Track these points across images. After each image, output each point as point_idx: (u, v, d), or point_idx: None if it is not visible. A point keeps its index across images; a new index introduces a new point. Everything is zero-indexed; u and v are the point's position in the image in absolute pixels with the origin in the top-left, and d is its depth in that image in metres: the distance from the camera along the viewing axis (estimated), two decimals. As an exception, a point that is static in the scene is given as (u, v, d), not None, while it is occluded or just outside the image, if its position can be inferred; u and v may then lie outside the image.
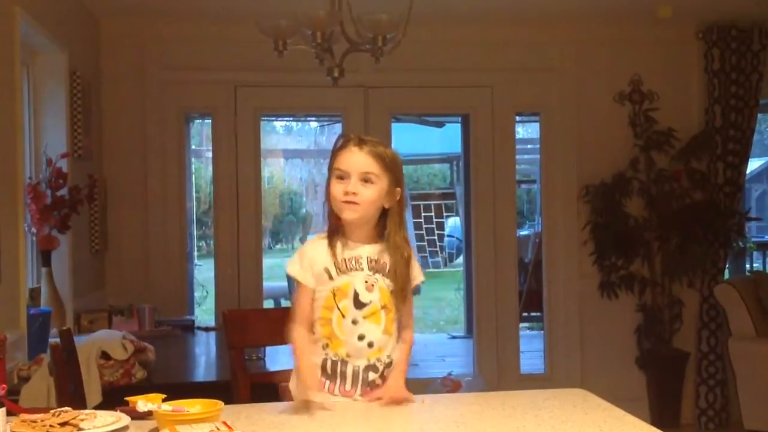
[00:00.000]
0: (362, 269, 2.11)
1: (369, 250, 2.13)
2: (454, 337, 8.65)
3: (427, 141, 10.93)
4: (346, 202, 2.09)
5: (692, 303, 5.39)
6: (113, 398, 2.59)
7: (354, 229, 2.13)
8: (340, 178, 2.10)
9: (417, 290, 8.48)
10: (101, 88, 5.01)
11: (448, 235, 13.58)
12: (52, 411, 1.79)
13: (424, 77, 5.28)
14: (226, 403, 1.86)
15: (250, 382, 2.32)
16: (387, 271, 2.12)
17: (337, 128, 5.46)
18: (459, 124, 6.71)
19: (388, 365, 2.13)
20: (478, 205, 5.47)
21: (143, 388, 3.26)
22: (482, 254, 5.46)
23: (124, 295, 4.81)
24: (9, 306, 3.23)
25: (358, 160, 2.10)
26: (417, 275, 2.18)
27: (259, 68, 4.94)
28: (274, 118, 6.94)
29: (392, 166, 2.13)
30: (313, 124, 9.00)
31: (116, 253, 5.06)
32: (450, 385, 5.19)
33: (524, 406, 2.02)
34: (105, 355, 3.08)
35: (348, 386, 2.10)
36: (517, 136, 5.86)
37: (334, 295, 2.09)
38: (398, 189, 2.14)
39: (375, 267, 2.12)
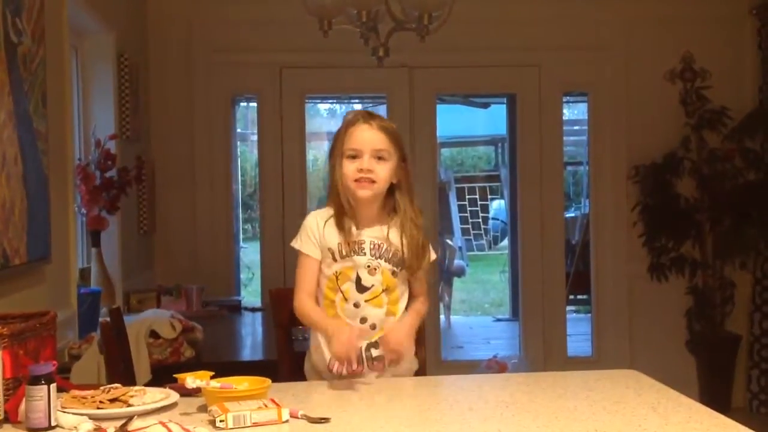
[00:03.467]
0: (365, 254, 2.12)
1: (373, 234, 2.14)
2: (498, 320, 8.62)
3: (472, 122, 10.85)
4: (360, 180, 2.08)
5: (744, 285, 5.27)
6: (162, 376, 2.60)
7: (363, 209, 2.13)
8: (353, 157, 2.10)
9: (462, 272, 8.41)
10: (149, 70, 5.04)
11: (493, 218, 13.50)
12: (102, 387, 1.80)
13: (470, 56, 5.22)
14: (273, 381, 1.86)
15: (296, 361, 2.32)
16: (391, 255, 2.13)
17: (381, 110, 5.43)
18: (504, 105, 6.64)
19: None
20: (525, 186, 5.41)
21: (191, 366, 3.27)
22: (528, 236, 5.40)
23: (172, 276, 4.84)
24: (60, 285, 3.26)
25: (369, 137, 2.10)
26: (431, 252, 2.19)
27: (304, 49, 4.92)
28: (319, 101, 6.95)
29: (399, 141, 2.15)
30: (357, 107, 9.01)
31: (164, 234, 5.10)
32: (495, 367, 5.15)
33: (575, 387, 1.99)
34: (154, 334, 3.10)
35: (354, 366, 2.10)
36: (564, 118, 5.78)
37: (337, 277, 2.12)
38: (405, 163, 2.15)
39: (377, 252, 2.13)
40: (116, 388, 1.79)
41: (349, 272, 2.12)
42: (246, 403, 1.66)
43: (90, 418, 1.64)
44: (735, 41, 5.33)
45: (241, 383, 1.79)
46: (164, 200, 5.08)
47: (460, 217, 13.21)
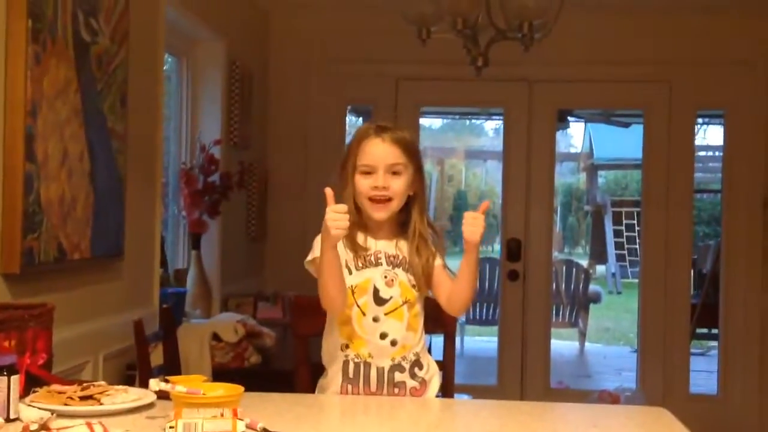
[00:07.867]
0: (381, 264, 2.02)
1: (387, 246, 2.04)
2: (636, 351, 8.17)
3: (620, 142, 10.41)
4: (376, 198, 1.99)
5: None
6: (224, 380, 2.58)
7: (378, 222, 2.03)
8: (366, 173, 2.01)
9: (597, 298, 8.00)
10: (268, 79, 5.11)
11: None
12: (82, 384, 1.79)
13: (594, 71, 4.95)
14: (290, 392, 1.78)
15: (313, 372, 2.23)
16: (407, 265, 2.02)
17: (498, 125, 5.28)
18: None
19: (416, 363, 2.00)
20: (650, 211, 5.10)
21: (255, 372, 3.27)
22: (651, 264, 5.11)
23: (282, 283, 4.82)
24: (138, 283, 3.32)
25: (382, 151, 2.00)
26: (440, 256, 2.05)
27: (421, 61, 4.81)
28: (475, 118, 6.84)
29: (415, 151, 2.03)
30: (492, 124, 8.83)
31: (275, 241, 5.14)
32: (608, 399, 4.86)
33: (582, 420, 1.79)
34: (217, 337, 3.11)
35: (373, 388, 1.98)
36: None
37: (353, 292, 2.00)
38: (420, 173, 2.04)
39: (394, 262, 2.02)
40: (96, 385, 1.77)
41: (365, 285, 2.01)
42: (206, 411, 1.59)
43: (57, 415, 1.62)
44: None
45: (215, 390, 1.72)
46: (276, 208, 5.12)
47: (615, 242, 12.72)
